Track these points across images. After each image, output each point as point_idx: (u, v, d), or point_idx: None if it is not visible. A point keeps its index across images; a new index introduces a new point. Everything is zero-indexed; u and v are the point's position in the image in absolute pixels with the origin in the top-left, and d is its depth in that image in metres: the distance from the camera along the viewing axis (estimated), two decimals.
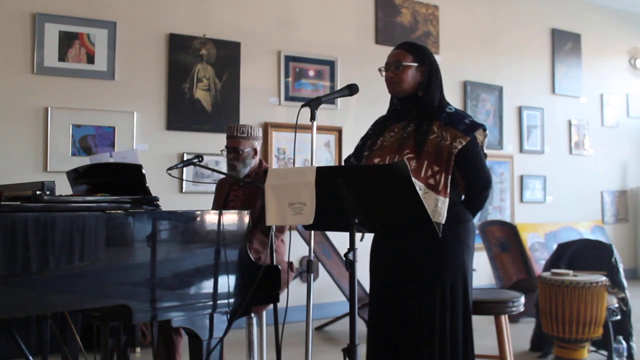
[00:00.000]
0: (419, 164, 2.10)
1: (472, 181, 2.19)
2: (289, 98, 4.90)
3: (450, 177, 2.10)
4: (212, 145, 4.45)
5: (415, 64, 2.21)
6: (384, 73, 2.26)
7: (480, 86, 6.01)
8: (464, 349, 2.13)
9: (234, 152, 2.92)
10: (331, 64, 5.12)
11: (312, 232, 2.31)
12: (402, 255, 2.17)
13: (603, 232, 6.42)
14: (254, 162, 2.99)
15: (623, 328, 3.62)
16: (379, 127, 2.33)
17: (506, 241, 5.26)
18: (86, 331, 3.25)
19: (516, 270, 5.18)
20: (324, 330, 4.62)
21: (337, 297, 4.78)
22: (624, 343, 3.50)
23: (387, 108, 2.37)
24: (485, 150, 2.24)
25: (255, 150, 2.97)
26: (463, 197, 2.25)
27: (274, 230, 2.84)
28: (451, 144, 2.10)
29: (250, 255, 2.19)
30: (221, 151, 2.99)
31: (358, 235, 1.79)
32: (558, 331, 3.47)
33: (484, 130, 2.20)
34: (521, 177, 6.29)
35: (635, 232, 7.32)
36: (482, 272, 5.39)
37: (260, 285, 2.16)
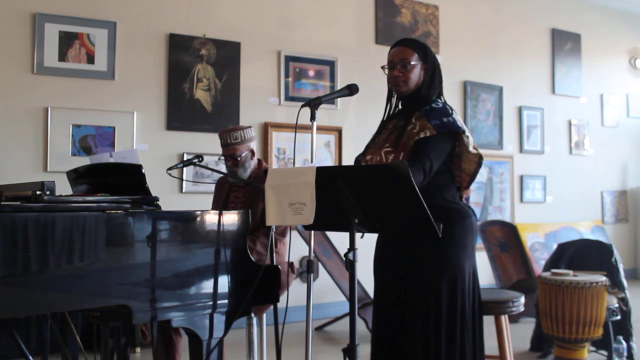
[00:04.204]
0: (396, 157, 2.08)
1: (416, 154, 2.05)
2: (289, 98, 4.90)
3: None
4: (212, 145, 4.44)
5: (420, 63, 2.20)
6: (386, 71, 2.24)
7: (480, 86, 6.01)
8: (461, 351, 2.10)
9: (232, 159, 2.91)
10: (331, 64, 5.11)
11: (312, 232, 2.31)
12: (402, 256, 2.16)
13: (603, 232, 6.42)
14: (254, 162, 2.99)
15: (623, 328, 3.62)
16: (381, 125, 2.33)
17: (506, 241, 5.26)
18: (86, 331, 3.25)
19: (516, 270, 5.18)
20: (324, 330, 4.62)
21: (337, 297, 4.78)
22: (624, 343, 3.50)
23: (385, 107, 2.35)
24: (480, 151, 2.19)
25: (252, 151, 2.97)
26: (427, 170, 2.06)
27: (275, 231, 2.86)
28: (417, 133, 2.08)
29: (252, 257, 2.19)
30: (219, 158, 2.99)
31: (358, 236, 1.79)
32: (558, 331, 3.47)
33: (463, 133, 2.12)
34: (521, 177, 6.29)
35: (635, 232, 7.32)
36: (482, 272, 5.32)
37: (261, 285, 2.16)
